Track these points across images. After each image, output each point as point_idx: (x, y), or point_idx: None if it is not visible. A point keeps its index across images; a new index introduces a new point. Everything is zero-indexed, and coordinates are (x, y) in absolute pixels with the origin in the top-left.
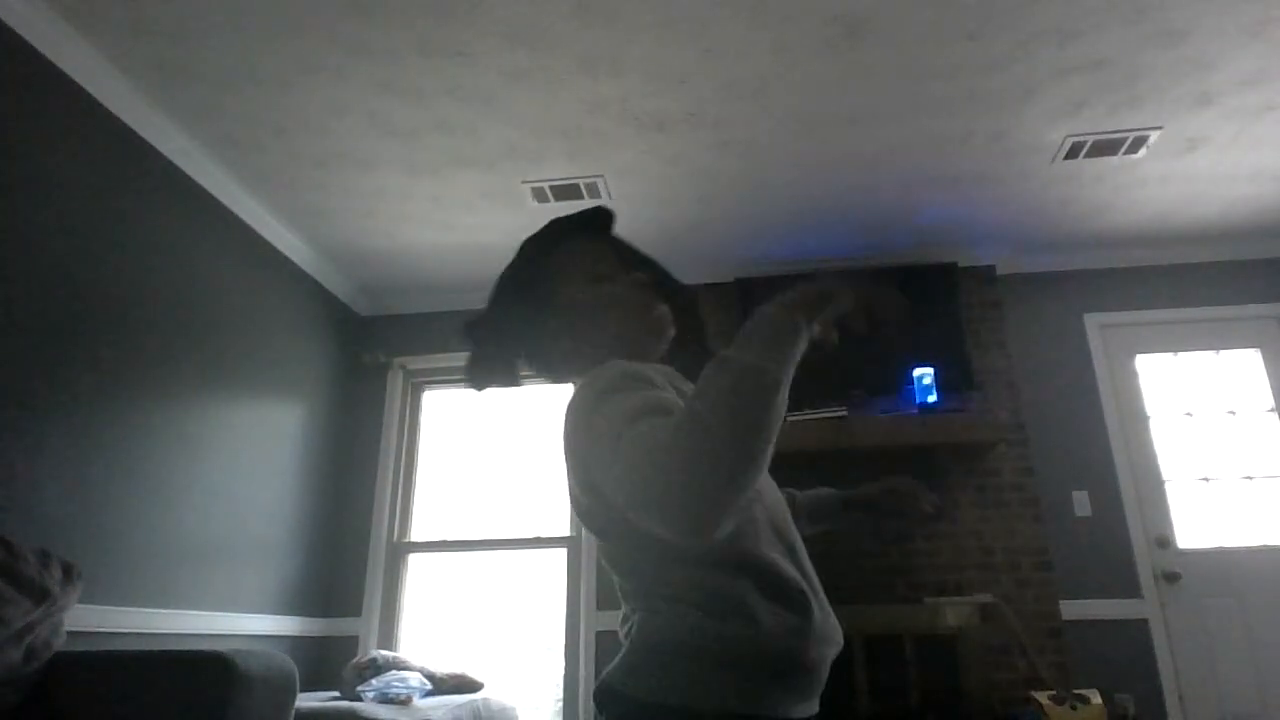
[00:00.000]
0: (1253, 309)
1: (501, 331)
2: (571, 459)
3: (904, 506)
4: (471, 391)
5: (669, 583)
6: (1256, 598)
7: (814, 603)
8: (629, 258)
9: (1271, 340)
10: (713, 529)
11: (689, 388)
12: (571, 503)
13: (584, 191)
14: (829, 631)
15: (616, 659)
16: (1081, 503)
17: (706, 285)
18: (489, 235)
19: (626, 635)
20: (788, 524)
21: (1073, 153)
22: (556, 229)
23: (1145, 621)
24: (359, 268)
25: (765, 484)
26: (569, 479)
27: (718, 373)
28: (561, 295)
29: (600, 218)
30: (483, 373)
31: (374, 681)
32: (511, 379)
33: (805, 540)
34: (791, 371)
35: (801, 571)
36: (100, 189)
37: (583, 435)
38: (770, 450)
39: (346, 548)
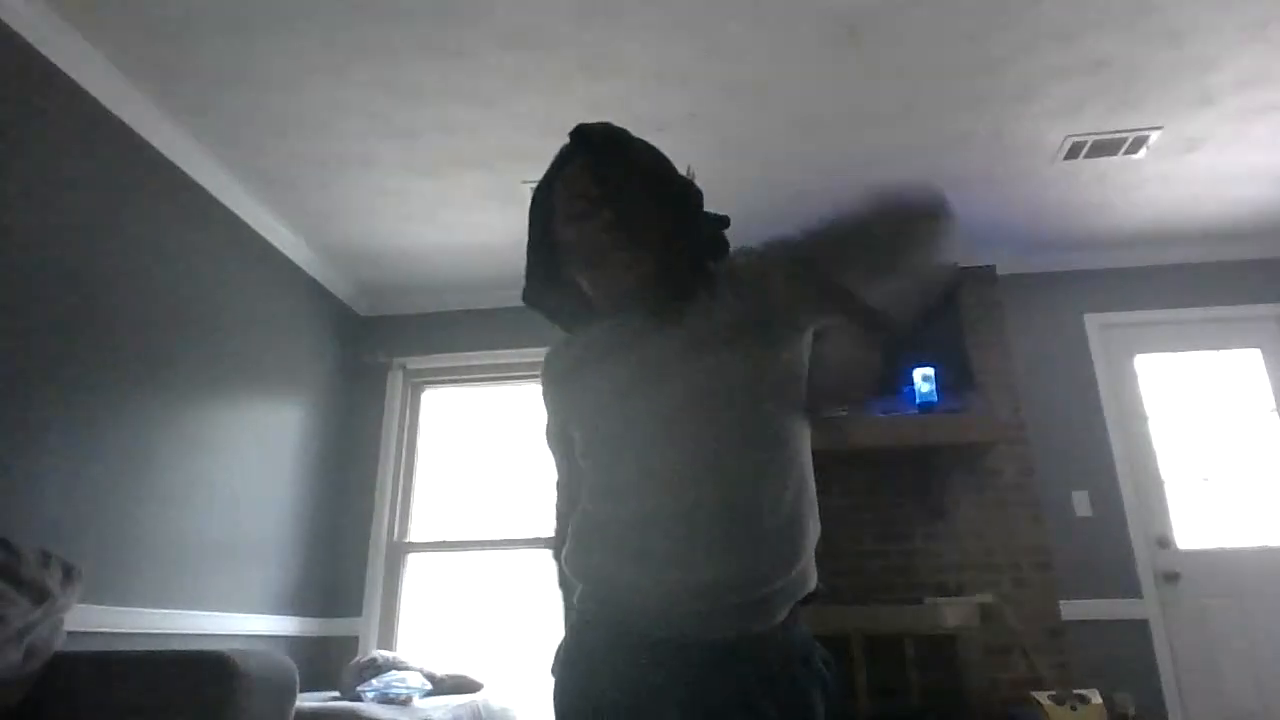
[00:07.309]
0: (1253, 309)
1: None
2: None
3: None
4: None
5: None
6: (1256, 598)
7: (609, 552)
8: (609, 186)
9: (1271, 340)
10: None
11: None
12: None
13: None
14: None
15: None
16: (1081, 503)
17: None
18: (489, 235)
19: None
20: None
21: (1073, 153)
22: (557, 158)
23: (1145, 621)
24: (359, 268)
25: (648, 439)
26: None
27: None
28: (554, 233)
29: (579, 142)
30: (538, 291)
31: (374, 681)
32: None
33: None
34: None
35: (628, 523)
36: (100, 189)
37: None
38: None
39: (346, 548)
